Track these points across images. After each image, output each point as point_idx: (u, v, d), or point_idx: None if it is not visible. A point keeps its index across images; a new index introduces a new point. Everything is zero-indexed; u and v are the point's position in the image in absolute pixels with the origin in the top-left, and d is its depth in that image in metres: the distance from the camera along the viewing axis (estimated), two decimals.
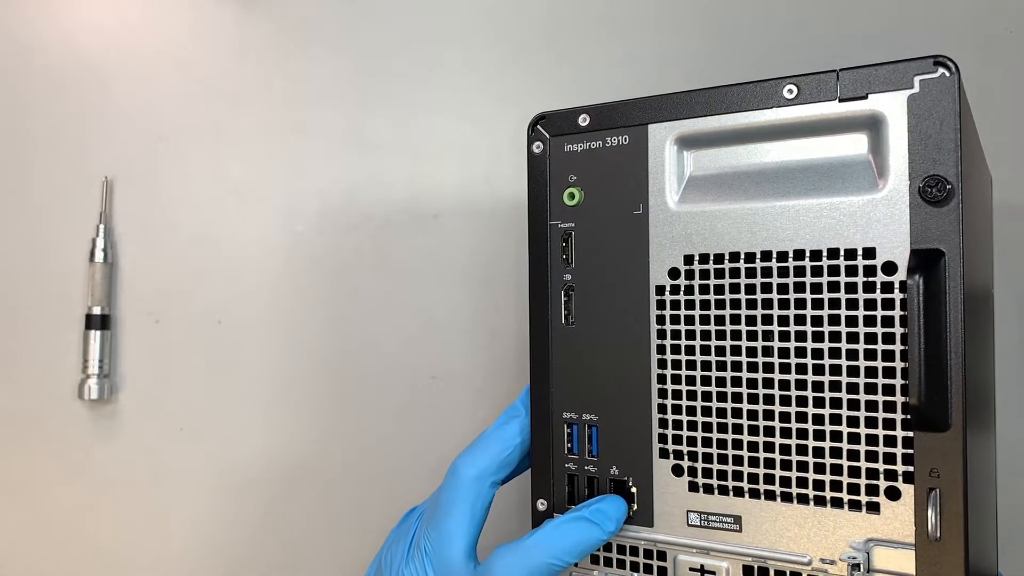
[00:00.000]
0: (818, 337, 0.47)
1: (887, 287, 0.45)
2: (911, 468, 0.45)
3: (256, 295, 0.92)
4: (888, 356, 0.45)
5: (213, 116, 0.93)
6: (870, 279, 0.45)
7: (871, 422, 0.45)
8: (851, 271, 0.46)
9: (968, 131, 0.48)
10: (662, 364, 0.51)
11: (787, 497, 0.48)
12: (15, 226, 0.94)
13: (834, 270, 0.46)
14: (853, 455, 0.46)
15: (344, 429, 0.89)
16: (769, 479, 0.48)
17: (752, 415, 0.49)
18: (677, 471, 0.51)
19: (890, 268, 0.45)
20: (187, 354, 0.93)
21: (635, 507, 0.53)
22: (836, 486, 0.47)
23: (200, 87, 0.93)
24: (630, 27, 0.87)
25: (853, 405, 0.46)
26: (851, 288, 0.46)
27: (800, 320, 0.47)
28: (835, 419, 0.46)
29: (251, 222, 0.92)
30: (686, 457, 0.51)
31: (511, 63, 0.90)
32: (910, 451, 0.45)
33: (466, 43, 0.91)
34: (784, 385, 0.48)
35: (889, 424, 0.45)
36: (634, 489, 0.53)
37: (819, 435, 0.47)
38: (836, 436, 0.46)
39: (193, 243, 0.92)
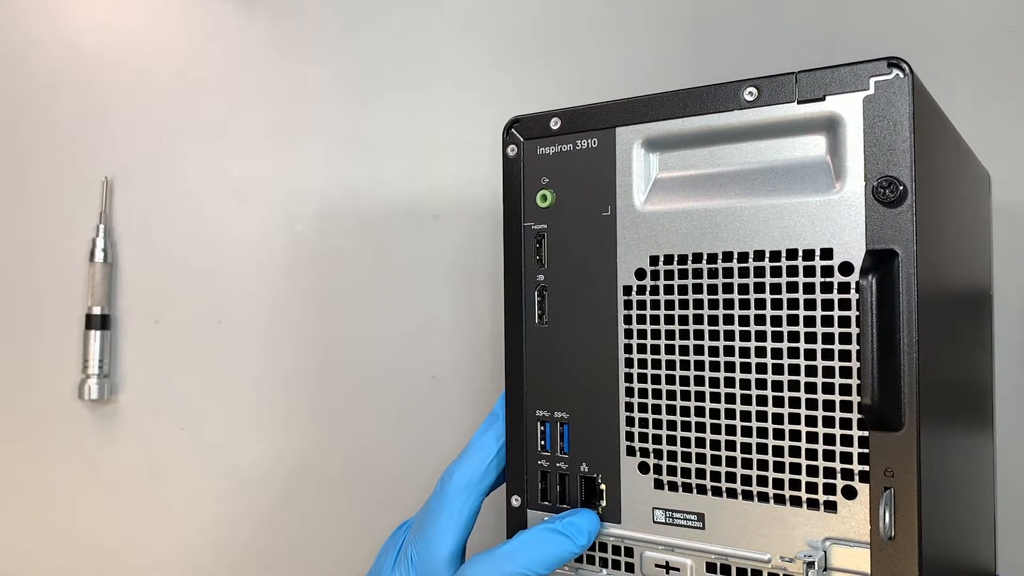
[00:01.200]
0: (777, 337, 0.48)
1: (844, 287, 0.46)
2: (867, 467, 0.46)
3: (256, 295, 0.94)
4: (844, 356, 0.46)
5: (213, 116, 0.95)
6: (827, 279, 0.47)
7: (828, 421, 0.47)
8: (809, 271, 0.47)
9: (935, 131, 0.49)
10: (628, 363, 0.53)
11: (748, 495, 0.50)
12: (15, 226, 0.97)
13: (793, 271, 0.48)
14: (811, 454, 0.48)
15: (344, 429, 0.91)
16: (731, 477, 0.50)
17: (714, 414, 0.50)
18: (643, 468, 0.53)
19: (847, 268, 0.46)
20: (187, 354, 0.95)
21: (604, 504, 0.54)
22: (795, 485, 0.48)
23: (200, 87, 0.96)
24: (632, 26, 0.89)
25: (811, 404, 0.47)
26: (809, 288, 0.47)
27: (760, 320, 0.49)
28: (794, 418, 0.48)
29: (251, 222, 0.94)
30: (652, 455, 0.53)
31: (512, 62, 0.91)
32: (866, 451, 0.46)
33: (466, 42, 0.92)
34: (745, 384, 0.49)
35: (846, 424, 0.46)
36: (603, 486, 0.55)
37: (779, 434, 0.48)
38: (795, 435, 0.48)
39: (193, 243, 0.95)
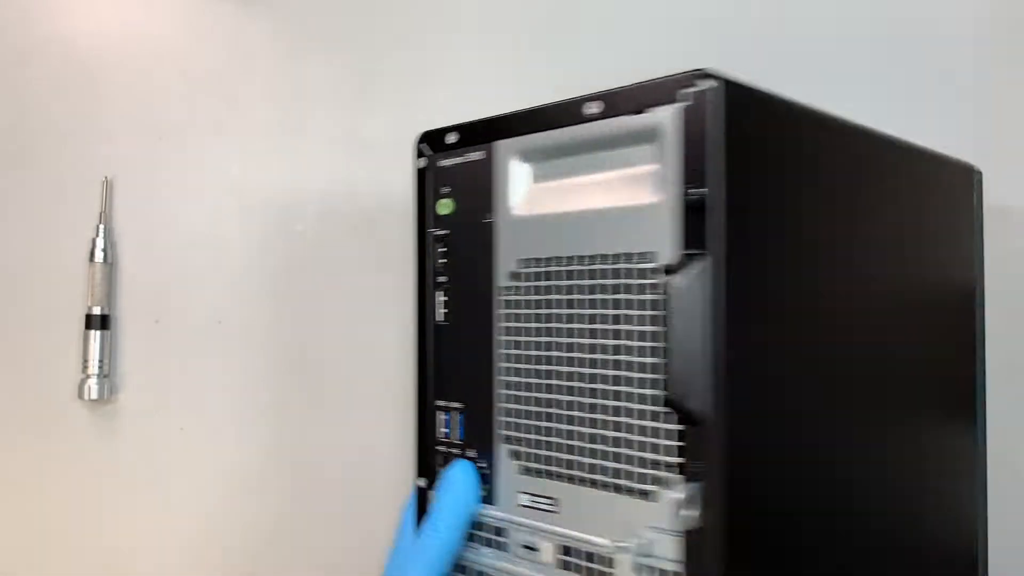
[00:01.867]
0: (612, 335, 0.61)
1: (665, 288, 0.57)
2: (682, 460, 0.57)
3: (256, 295, 1.09)
4: (662, 353, 0.58)
5: (213, 116, 1.11)
6: (652, 281, 0.58)
7: (654, 415, 0.58)
8: (640, 274, 0.59)
9: (773, 139, 0.61)
10: (500, 358, 0.67)
11: (591, 483, 0.62)
12: (15, 226, 1.11)
13: (627, 273, 0.60)
14: (640, 446, 0.59)
15: (345, 429, 1.06)
16: (578, 465, 0.62)
17: (560, 405, 0.63)
18: (514, 455, 0.67)
19: (667, 271, 0.58)
20: (187, 354, 1.10)
21: (488, 487, 0.69)
22: (627, 475, 0.60)
23: (200, 87, 1.11)
24: (633, 27, 1.04)
25: (641, 399, 0.59)
26: (640, 289, 0.59)
27: (598, 319, 0.61)
28: (627, 411, 0.60)
29: (251, 222, 1.10)
30: (519, 443, 0.66)
31: (512, 62, 1.07)
32: (682, 443, 0.57)
33: (466, 42, 1.08)
34: (585, 378, 0.62)
35: (665, 418, 0.58)
36: (487, 471, 0.69)
37: (611, 426, 0.61)
38: (628, 427, 0.60)
39: (193, 243, 1.10)
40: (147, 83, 1.11)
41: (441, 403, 0.73)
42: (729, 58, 0.99)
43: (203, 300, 1.10)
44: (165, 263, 1.10)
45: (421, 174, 0.74)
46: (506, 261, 0.67)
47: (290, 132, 1.10)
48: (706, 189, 0.55)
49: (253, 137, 1.10)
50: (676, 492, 0.57)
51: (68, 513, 1.11)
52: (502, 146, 0.68)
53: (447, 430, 0.72)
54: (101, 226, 1.09)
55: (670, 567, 0.57)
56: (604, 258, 0.61)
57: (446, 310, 0.72)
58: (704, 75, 0.56)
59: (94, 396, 1.07)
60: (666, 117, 0.58)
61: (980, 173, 0.87)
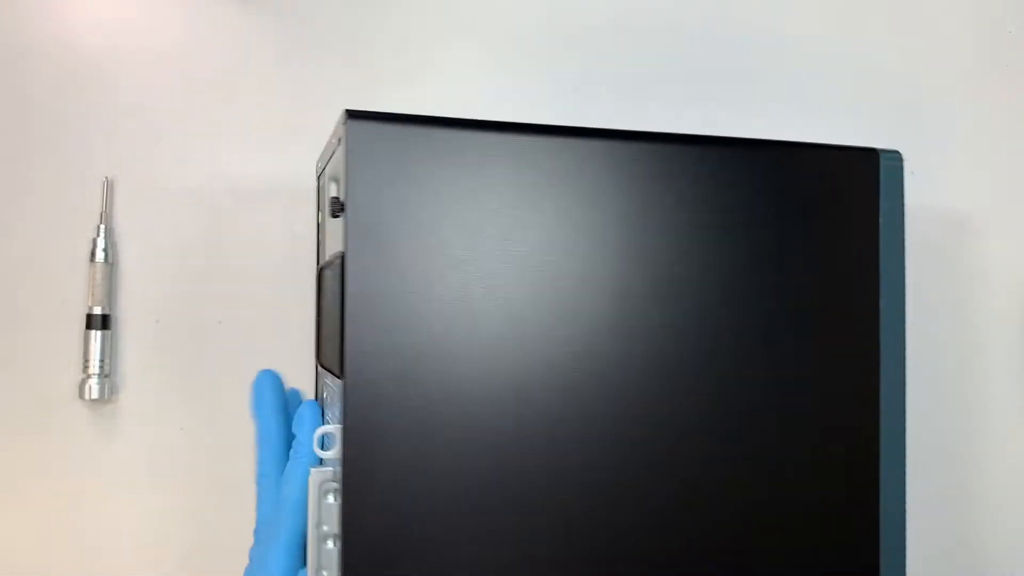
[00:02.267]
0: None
1: None
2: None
3: (256, 295, 1.34)
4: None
5: (213, 116, 1.35)
6: None
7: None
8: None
9: (394, 165, 0.93)
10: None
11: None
12: (15, 226, 1.30)
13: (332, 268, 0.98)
14: None
15: None
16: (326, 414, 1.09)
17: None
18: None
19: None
20: (188, 354, 1.33)
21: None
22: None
23: (200, 87, 1.35)
24: (635, 27, 1.33)
25: None
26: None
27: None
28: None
29: (251, 222, 1.34)
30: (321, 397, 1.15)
31: (512, 63, 1.35)
32: None
33: (467, 43, 1.35)
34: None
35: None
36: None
37: None
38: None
39: (193, 243, 1.34)
40: (147, 83, 1.34)
41: (320, 367, 1.13)
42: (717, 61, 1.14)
43: (203, 300, 1.33)
44: (165, 263, 1.33)
45: (316, 193, 1.18)
46: (323, 259, 1.10)
47: (290, 132, 1.34)
48: (341, 202, 0.92)
49: (253, 137, 1.34)
50: (325, 430, 0.96)
51: (68, 513, 1.29)
52: (326, 171, 1.12)
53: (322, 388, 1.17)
54: (101, 226, 1.29)
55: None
56: (335, 256, 1.00)
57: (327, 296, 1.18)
58: (349, 115, 0.92)
59: (95, 396, 1.27)
60: (341, 150, 0.92)
61: (898, 157, 1.05)
